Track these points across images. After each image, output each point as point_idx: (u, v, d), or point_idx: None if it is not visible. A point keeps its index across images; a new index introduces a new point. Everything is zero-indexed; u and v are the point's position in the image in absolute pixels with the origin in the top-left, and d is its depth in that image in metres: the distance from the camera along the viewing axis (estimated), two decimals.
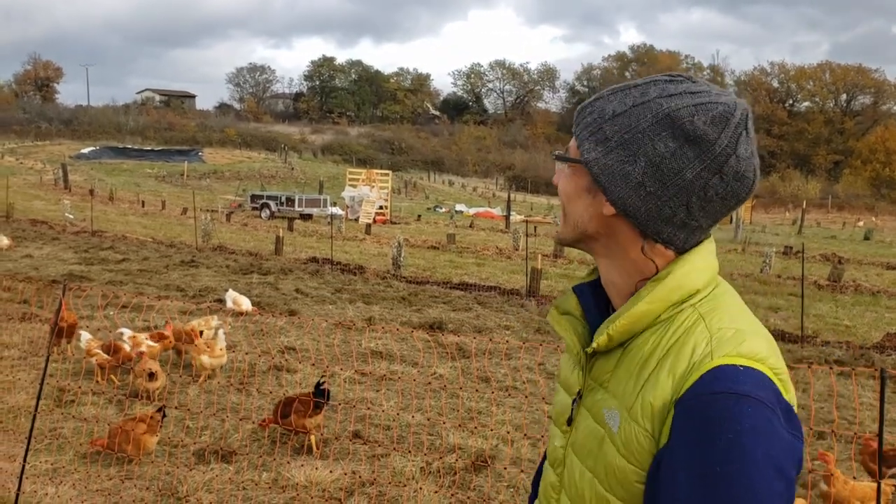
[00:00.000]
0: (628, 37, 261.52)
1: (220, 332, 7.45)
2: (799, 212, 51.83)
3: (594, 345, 1.23)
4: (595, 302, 1.33)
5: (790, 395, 1.12)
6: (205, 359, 7.11)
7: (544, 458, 1.59)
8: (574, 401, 1.31)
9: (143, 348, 7.21)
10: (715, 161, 1.13)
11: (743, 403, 1.04)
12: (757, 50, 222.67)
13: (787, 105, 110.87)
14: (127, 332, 7.45)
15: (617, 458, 1.16)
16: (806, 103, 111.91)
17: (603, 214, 1.21)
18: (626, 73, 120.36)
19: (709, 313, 1.16)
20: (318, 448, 5.65)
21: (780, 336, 10.78)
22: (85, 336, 7.26)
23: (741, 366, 1.08)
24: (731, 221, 34.31)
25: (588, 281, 1.37)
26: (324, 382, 5.67)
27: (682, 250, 1.21)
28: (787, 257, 24.10)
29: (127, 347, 7.11)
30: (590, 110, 1.23)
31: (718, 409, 1.04)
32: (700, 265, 1.21)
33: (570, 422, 1.31)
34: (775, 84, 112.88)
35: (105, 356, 7.00)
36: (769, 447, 1.03)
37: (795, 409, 1.12)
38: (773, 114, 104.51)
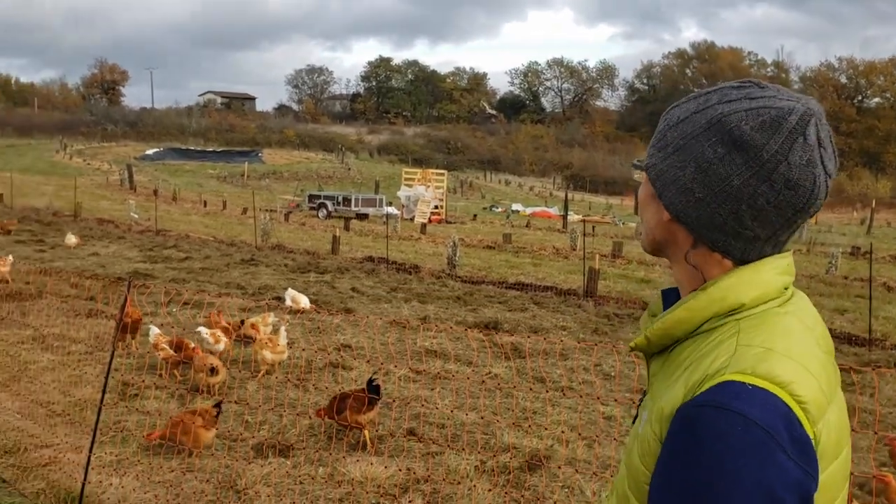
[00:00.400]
0: (689, 33, 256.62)
1: (282, 329, 7.56)
2: (868, 211, 50.13)
3: (631, 343, 1.25)
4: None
5: (817, 428, 1.06)
6: (267, 354, 7.24)
7: None
8: (640, 399, 1.33)
9: (221, 346, 7.44)
10: (763, 168, 1.10)
11: (732, 421, 1.01)
12: (824, 45, 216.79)
13: (855, 101, 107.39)
14: (205, 331, 7.62)
15: (636, 458, 1.17)
16: (876, 99, 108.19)
17: (664, 220, 1.22)
18: (687, 71, 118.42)
19: (747, 329, 1.13)
20: (372, 444, 5.70)
21: (846, 339, 10.46)
22: (154, 330, 7.45)
23: (750, 384, 1.04)
24: None
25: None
26: (376, 379, 5.71)
27: (742, 261, 1.18)
28: (854, 258, 23.37)
29: (192, 344, 7.27)
30: (664, 118, 1.24)
31: (705, 423, 1.02)
32: (752, 279, 1.16)
33: (635, 420, 1.32)
34: (843, 80, 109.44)
35: (171, 352, 7.17)
36: (763, 475, 0.98)
37: (817, 443, 1.05)
38: (841, 111, 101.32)
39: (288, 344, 7.59)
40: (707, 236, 1.17)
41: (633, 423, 1.33)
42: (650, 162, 1.23)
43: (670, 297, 1.34)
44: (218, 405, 5.45)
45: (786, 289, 1.20)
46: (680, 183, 1.17)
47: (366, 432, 5.69)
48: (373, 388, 5.63)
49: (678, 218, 1.19)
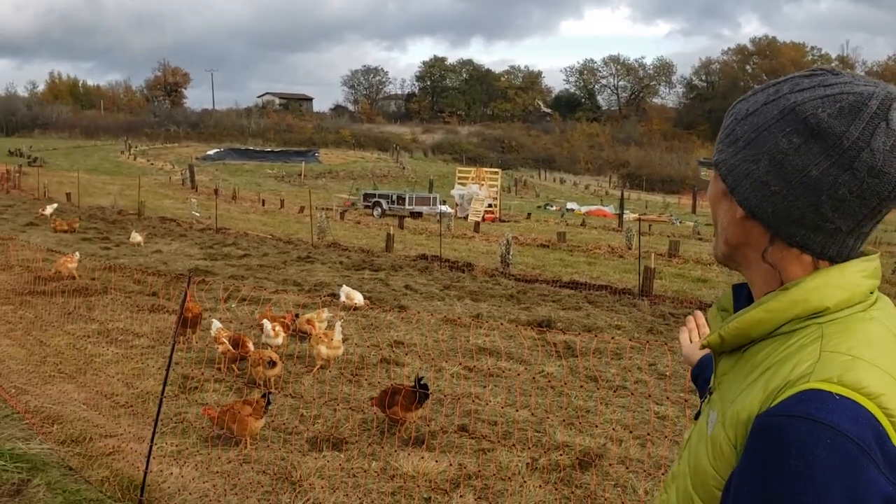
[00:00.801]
0: (750, 29, 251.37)
1: (338, 324, 7.67)
2: None
3: (704, 341, 1.21)
4: (748, 303, 1.30)
5: None
6: (322, 349, 7.36)
7: None
8: (704, 396, 1.30)
9: (280, 340, 7.73)
10: (844, 156, 1.04)
11: (821, 433, 0.96)
12: (894, 38, 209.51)
13: None
14: (268, 324, 7.80)
15: (704, 460, 1.14)
16: None
17: (737, 218, 1.17)
18: (747, 67, 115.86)
19: (832, 334, 1.08)
20: (401, 432, 5.80)
21: None
22: (216, 324, 7.64)
23: (837, 394, 0.99)
24: None
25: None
26: (424, 377, 5.79)
27: (821, 256, 1.13)
28: None
29: (251, 346, 7.43)
30: (731, 113, 1.20)
31: (791, 434, 0.97)
32: (837, 282, 1.11)
33: (697, 416, 1.31)
34: None
35: (229, 346, 7.34)
36: (854, 490, 0.93)
37: None
38: None
39: (343, 339, 7.70)
40: (784, 231, 1.12)
41: (696, 419, 1.31)
42: (720, 158, 1.18)
43: (742, 293, 1.30)
44: (266, 395, 5.57)
45: (871, 293, 1.14)
46: (754, 177, 1.12)
47: (407, 425, 5.82)
48: (422, 386, 5.70)
49: (753, 214, 1.14)
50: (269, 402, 5.56)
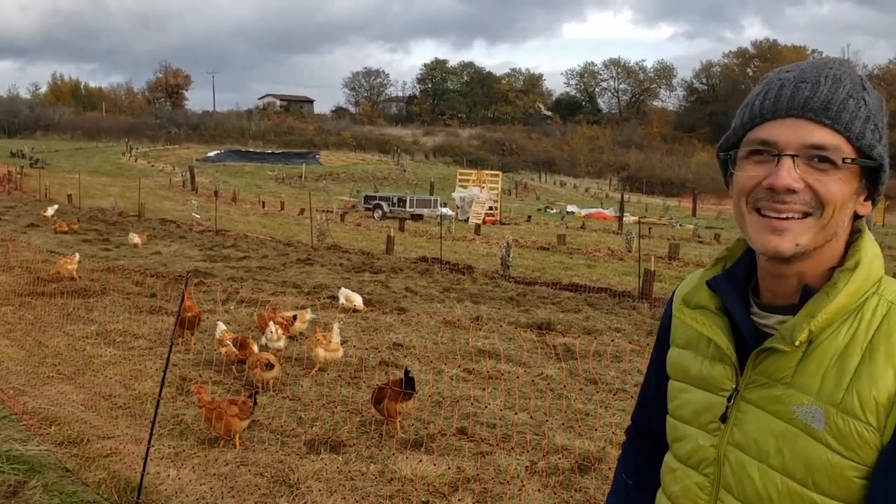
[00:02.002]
0: (752, 32, 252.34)
1: (335, 327, 7.65)
2: None
3: (796, 342, 1.16)
4: (736, 294, 1.29)
5: None
6: (320, 351, 7.36)
7: (625, 467, 1.62)
8: (730, 397, 1.26)
9: (281, 343, 7.75)
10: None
11: None
12: None
13: None
14: (272, 327, 7.80)
15: (829, 455, 1.13)
16: None
17: (855, 213, 1.21)
18: (748, 70, 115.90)
19: None
20: (398, 432, 5.88)
21: None
22: (220, 326, 7.61)
23: None
24: None
25: (720, 273, 1.34)
26: (411, 371, 5.84)
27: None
28: None
29: (255, 348, 7.41)
30: (853, 104, 1.16)
31: None
32: (877, 251, 1.21)
33: (724, 419, 1.27)
34: None
35: (233, 349, 7.31)
36: None
37: None
38: None
39: (341, 342, 7.69)
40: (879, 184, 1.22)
41: (723, 422, 1.26)
42: (885, 162, 1.19)
43: (722, 286, 1.30)
44: (252, 396, 5.56)
45: None
46: (886, 169, 1.21)
47: (397, 423, 5.86)
48: (408, 381, 5.74)
49: (874, 203, 1.23)
50: (255, 403, 5.54)
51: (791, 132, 1.15)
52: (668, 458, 1.41)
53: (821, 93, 1.15)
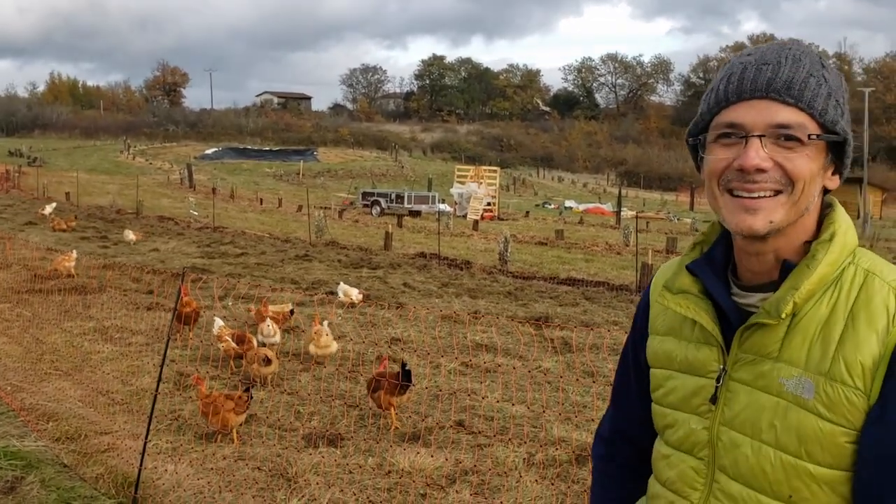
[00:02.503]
0: (749, 26, 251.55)
1: (325, 323, 7.67)
2: None
3: (783, 314, 1.18)
4: (716, 277, 1.31)
5: None
6: (311, 347, 7.39)
7: (604, 459, 1.59)
8: (719, 378, 1.28)
9: (278, 338, 7.74)
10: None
11: None
12: (893, 35, 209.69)
13: None
14: (269, 323, 7.82)
15: (820, 423, 1.15)
16: None
17: (825, 187, 1.24)
18: None
19: (872, 268, 1.20)
20: (395, 425, 5.91)
21: None
22: (218, 322, 7.62)
23: None
24: (858, 216, 32.43)
25: (699, 257, 1.35)
26: (408, 364, 5.85)
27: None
28: None
29: (255, 343, 7.42)
30: (814, 82, 1.19)
31: None
32: (850, 223, 1.24)
33: (714, 400, 1.28)
34: None
35: (233, 344, 7.31)
36: None
37: None
38: None
39: (338, 338, 7.70)
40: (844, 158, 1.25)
41: (713, 402, 1.27)
42: (849, 137, 1.22)
43: (702, 270, 1.31)
44: (248, 390, 5.56)
45: None
46: (851, 143, 1.23)
47: (392, 413, 5.88)
48: (405, 374, 5.74)
49: (841, 177, 1.26)
50: (251, 398, 5.54)
51: (756, 113, 1.18)
52: (660, 446, 1.41)
53: (782, 73, 1.18)
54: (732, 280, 1.32)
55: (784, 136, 1.17)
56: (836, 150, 1.22)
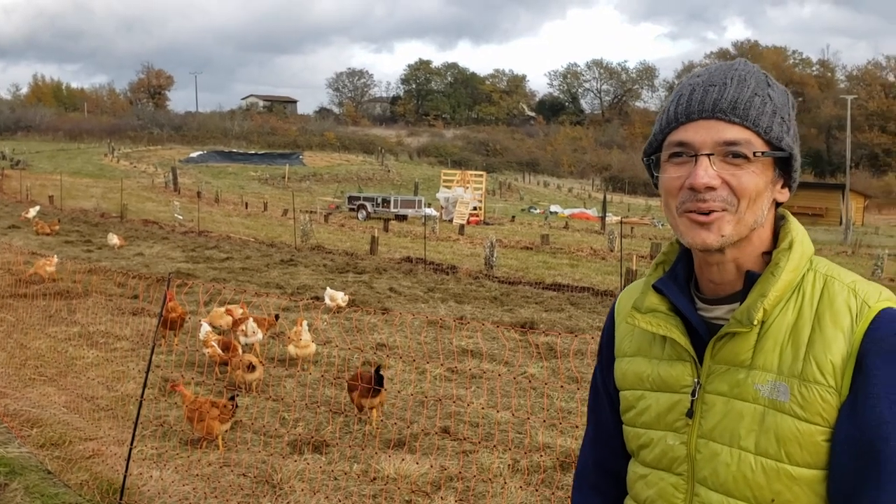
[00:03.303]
0: (734, 32, 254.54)
1: (304, 324, 7.71)
2: None
3: (755, 321, 1.22)
4: (681, 294, 1.34)
5: None
6: (291, 348, 7.47)
7: (583, 476, 1.58)
8: (693, 392, 1.30)
9: (259, 336, 7.75)
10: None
11: None
12: (875, 42, 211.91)
13: None
14: (251, 323, 7.85)
15: (797, 424, 1.19)
16: None
17: (776, 200, 1.29)
18: None
19: (829, 272, 1.25)
20: (374, 424, 6.04)
21: None
22: (205, 327, 7.61)
23: (894, 307, 1.19)
24: (840, 223, 32.69)
25: (663, 276, 1.38)
26: (382, 367, 6.00)
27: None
28: None
29: (241, 350, 7.41)
30: (759, 101, 1.24)
31: None
32: (804, 231, 1.29)
33: (690, 414, 1.30)
34: (891, 78, 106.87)
35: (219, 350, 7.30)
36: None
37: None
38: (889, 109, 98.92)
39: (324, 343, 7.72)
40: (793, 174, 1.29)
41: (690, 416, 1.29)
42: (794, 149, 1.27)
43: (669, 288, 1.34)
44: (232, 398, 5.56)
45: None
46: (798, 158, 1.28)
47: (373, 413, 6.05)
48: (378, 378, 5.84)
49: (791, 189, 1.30)
50: (235, 406, 5.54)
51: (705, 132, 1.23)
52: (635, 466, 1.42)
53: (728, 93, 1.23)
54: (696, 295, 1.35)
55: (731, 154, 1.22)
56: (783, 165, 1.28)
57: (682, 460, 1.31)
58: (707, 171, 1.22)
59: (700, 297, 1.34)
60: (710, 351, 1.28)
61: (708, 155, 1.22)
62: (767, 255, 1.28)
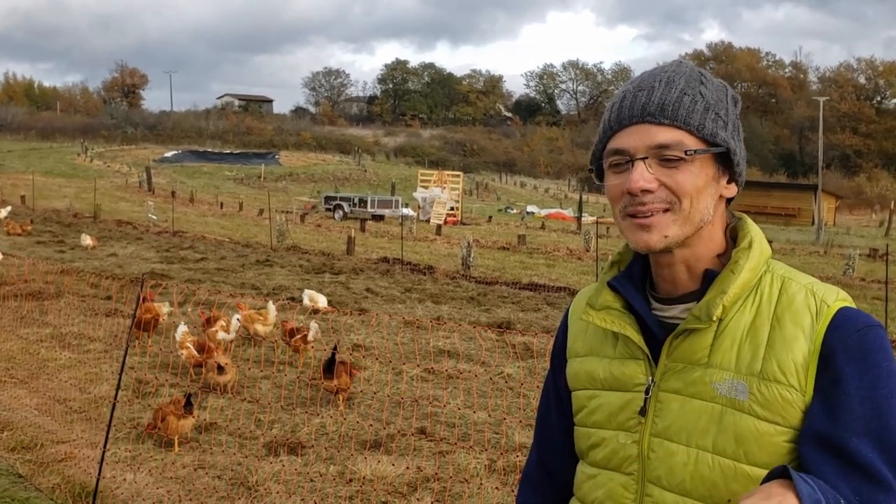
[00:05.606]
0: (710, 34, 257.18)
1: (270, 304, 7.94)
2: (886, 213, 49.66)
3: (714, 317, 1.23)
4: (636, 292, 1.34)
5: None
6: (258, 327, 7.57)
7: (529, 479, 1.57)
8: (647, 390, 1.29)
9: (232, 335, 7.91)
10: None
11: (883, 331, 1.20)
12: (848, 45, 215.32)
13: (874, 102, 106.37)
14: (237, 317, 7.97)
15: (756, 423, 1.19)
16: (895, 101, 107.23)
17: (722, 197, 1.30)
18: None
19: (786, 273, 1.28)
20: (343, 403, 6.42)
21: None
22: (181, 328, 7.53)
23: (850, 306, 1.22)
24: (812, 223, 33.11)
25: (618, 275, 1.39)
26: (337, 351, 6.43)
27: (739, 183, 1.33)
28: (872, 260, 23.16)
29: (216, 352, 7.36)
30: (688, 100, 1.25)
31: (871, 340, 1.18)
32: (760, 232, 1.31)
33: (643, 412, 1.29)
34: (862, 80, 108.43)
35: (194, 352, 7.24)
36: None
37: None
38: (860, 111, 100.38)
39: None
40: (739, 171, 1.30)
41: (643, 415, 1.28)
42: (732, 144, 1.27)
43: (624, 286, 1.34)
44: (188, 395, 5.53)
45: None
46: (740, 152, 1.29)
47: (339, 396, 6.45)
48: (330, 361, 6.31)
49: (739, 185, 1.31)
50: (189, 403, 5.48)
51: (637, 137, 1.25)
52: (584, 467, 1.41)
53: (655, 96, 1.25)
54: (651, 295, 1.36)
55: (664, 156, 1.24)
56: (724, 161, 1.29)
57: (632, 459, 1.30)
58: (643, 175, 1.23)
59: (655, 296, 1.35)
60: (666, 348, 1.29)
61: (643, 159, 1.24)
62: (723, 258, 1.30)
